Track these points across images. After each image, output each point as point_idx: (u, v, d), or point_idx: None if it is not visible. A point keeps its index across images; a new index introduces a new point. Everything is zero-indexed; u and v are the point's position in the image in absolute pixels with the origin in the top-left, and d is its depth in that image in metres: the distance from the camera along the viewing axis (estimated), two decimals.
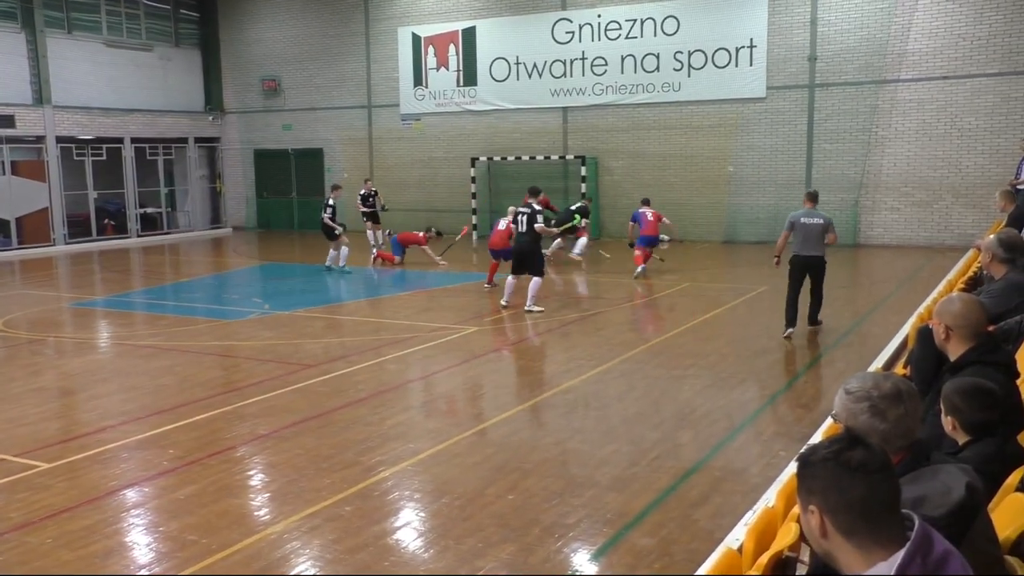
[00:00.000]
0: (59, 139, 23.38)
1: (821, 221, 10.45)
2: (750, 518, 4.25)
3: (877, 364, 8.50)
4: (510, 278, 12.86)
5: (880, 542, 1.93)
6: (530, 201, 12.90)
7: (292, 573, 4.90)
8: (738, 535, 4.10)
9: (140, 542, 5.41)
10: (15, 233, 22.61)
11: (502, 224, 14.63)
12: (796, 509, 2.32)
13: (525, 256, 12.62)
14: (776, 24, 20.19)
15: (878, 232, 19.88)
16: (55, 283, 17.59)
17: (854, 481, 1.94)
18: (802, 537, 3.02)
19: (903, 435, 2.68)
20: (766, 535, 3.44)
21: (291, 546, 5.23)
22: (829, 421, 5.49)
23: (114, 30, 25.17)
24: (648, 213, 15.85)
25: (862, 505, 1.93)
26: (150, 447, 7.15)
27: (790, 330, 10.51)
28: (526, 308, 12.40)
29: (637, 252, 15.71)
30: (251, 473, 6.67)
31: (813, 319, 10.91)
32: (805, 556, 3.17)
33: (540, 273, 12.55)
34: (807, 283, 10.65)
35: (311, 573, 4.92)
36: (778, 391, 8.42)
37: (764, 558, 3.10)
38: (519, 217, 12.68)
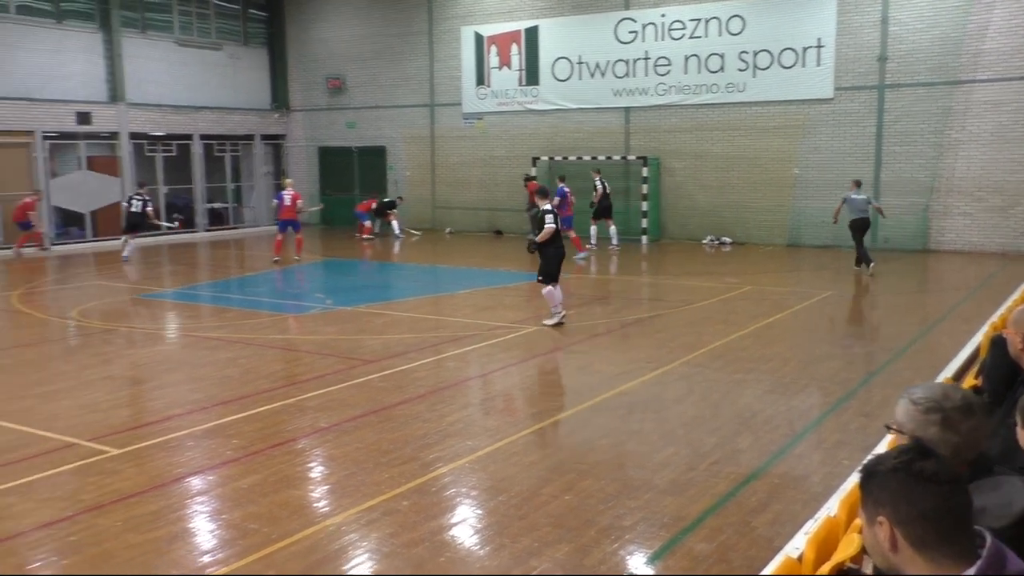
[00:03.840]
0: (132, 135, 24.09)
1: (864, 196, 16.00)
2: (811, 527, 4.17)
3: (946, 374, 8.27)
4: None
5: (951, 556, 1.87)
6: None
7: (347, 569, 4.97)
8: (798, 544, 4.02)
9: (203, 529, 5.55)
10: (90, 226, 23.37)
11: (287, 199, 18.70)
12: (859, 520, 2.27)
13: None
14: (845, 23, 19.76)
15: (950, 238, 19.30)
16: (126, 275, 18.07)
17: (925, 492, 1.89)
18: (864, 549, 2.95)
19: (973, 448, 2.62)
20: (827, 545, 3.37)
21: (348, 538, 5.30)
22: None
23: (186, 30, 25.81)
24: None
25: (934, 516, 1.88)
26: (214, 436, 7.32)
27: (862, 267, 15.91)
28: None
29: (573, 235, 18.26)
30: (311, 465, 6.79)
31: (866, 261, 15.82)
32: (868, 569, 3.10)
33: None
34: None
35: (365, 570, 4.98)
36: (841, 398, 8.25)
37: (825, 568, 3.04)
38: None
